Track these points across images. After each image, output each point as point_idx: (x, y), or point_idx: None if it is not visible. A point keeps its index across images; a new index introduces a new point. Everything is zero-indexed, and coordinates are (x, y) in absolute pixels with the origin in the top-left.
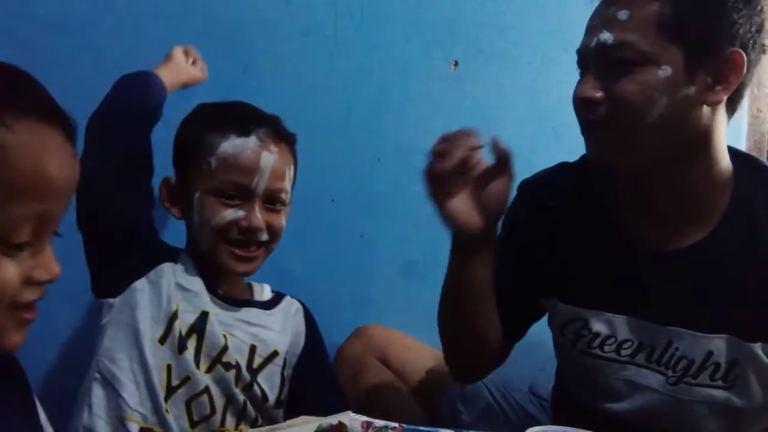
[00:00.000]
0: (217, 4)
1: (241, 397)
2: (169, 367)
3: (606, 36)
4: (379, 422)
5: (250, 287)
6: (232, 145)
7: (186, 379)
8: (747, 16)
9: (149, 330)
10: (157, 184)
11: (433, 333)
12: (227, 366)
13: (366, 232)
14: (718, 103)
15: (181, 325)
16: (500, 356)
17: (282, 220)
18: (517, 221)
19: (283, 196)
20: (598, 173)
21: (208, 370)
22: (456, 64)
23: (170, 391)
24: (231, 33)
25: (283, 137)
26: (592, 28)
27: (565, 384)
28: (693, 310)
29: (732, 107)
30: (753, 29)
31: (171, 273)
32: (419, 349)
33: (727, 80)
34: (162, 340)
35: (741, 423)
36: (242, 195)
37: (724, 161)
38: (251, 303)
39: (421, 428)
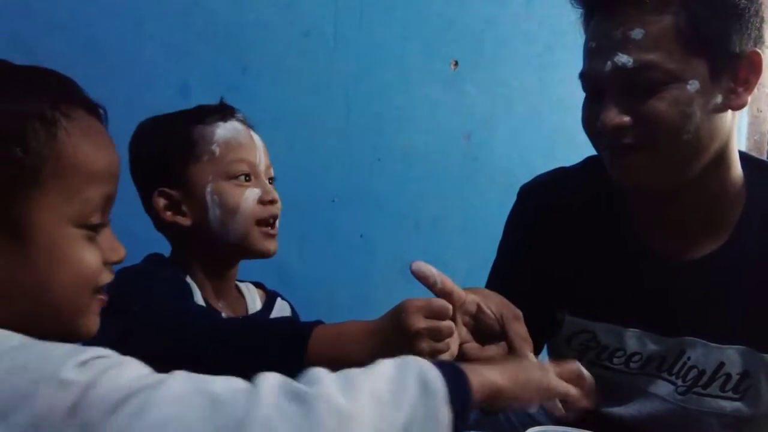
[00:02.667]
0: (217, 4)
1: None
2: None
3: (624, 59)
4: None
5: (239, 292)
6: (225, 129)
7: None
8: (755, 14)
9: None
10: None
11: None
12: None
13: (366, 232)
14: (744, 105)
15: None
16: None
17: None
18: (521, 229)
19: (272, 171)
20: (606, 181)
21: None
22: (456, 64)
23: None
24: (231, 33)
25: (249, 123)
26: (599, 51)
27: None
28: (708, 320)
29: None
30: (760, 26)
31: None
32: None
33: (748, 81)
34: None
35: (748, 430)
36: (252, 173)
37: (738, 168)
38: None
39: None
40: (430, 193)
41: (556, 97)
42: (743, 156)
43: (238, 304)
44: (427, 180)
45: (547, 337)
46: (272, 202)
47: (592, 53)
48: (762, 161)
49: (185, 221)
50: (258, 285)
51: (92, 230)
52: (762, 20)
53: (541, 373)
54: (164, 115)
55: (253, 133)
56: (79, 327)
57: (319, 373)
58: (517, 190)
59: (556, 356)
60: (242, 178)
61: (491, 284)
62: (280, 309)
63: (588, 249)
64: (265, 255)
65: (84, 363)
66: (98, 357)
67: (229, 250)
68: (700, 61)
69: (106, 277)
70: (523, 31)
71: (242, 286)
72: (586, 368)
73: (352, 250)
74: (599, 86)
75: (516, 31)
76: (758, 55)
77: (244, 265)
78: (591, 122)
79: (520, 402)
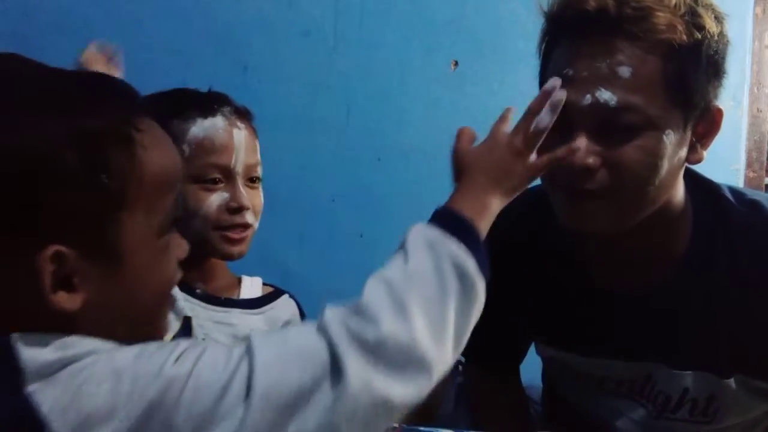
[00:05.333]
0: (217, 4)
1: None
2: None
3: (607, 96)
4: None
5: (239, 282)
6: (201, 128)
7: None
8: (725, 70)
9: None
10: None
11: None
12: None
13: (366, 232)
14: (700, 161)
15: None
16: (519, 398)
17: (261, 197)
18: (493, 273)
19: (258, 170)
20: (553, 219)
21: None
22: (456, 64)
23: None
24: (231, 33)
25: (244, 113)
26: (578, 81)
27: (553, 388)
28: (664, 348)
29: None
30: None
31: None
32: None
33: (708, 138)
34: None
35: None
36: (223, 176)
37: (682, 204)
38: (232, 302)
39: (421, 428)
40: (430, 193)
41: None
42: (693, 184)
43: (228, 291)
44: (427, 180)
45: (524, 350)
46: (239, 210)
47: (569, 81)
48: (703, 181)
49: None
50: (271, 286)
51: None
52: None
53: (521, 164)
54: (151, 100)
55: (236, 131)
56: (159, 329)
57: (372, 304)
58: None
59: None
60: (211, 181)
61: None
62: (284, 304)
63: (547, 284)
64: (227, 258)
65: (178, 357)
66: (186, 349)
67: (192, 248)
68: (677, 111)
69: (179, 275)
70: (524, 32)
71: (248, 279)
72: (565, 387)
73: (352, 250)
74: (569, 119)
75: (516, 32)
76: (721, 113)
77: (244, 265)
78: (552, 154)
79: (515, 193)
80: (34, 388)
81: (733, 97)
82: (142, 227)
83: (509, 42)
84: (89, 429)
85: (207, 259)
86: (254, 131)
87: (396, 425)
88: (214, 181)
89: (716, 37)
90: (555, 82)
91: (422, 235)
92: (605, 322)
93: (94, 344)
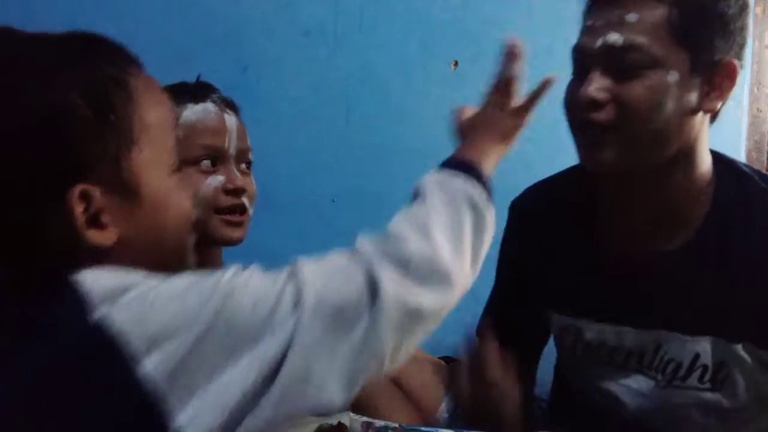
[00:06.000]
0: (217, 4)
1: None
2: None
3: (615, 37)
4: (378, 422)
5: None
6: (193, 111)
7: None
8: (739, 30)
9: None
10: None
11: (433, 332)
12: None
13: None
14: (714, 110)
15: None
16: (529, 389)
17: (254, 184)
18: (511, 242)
19: (250, 155)
20: (583, 185)
21: None
22: (456, 64)
23: None
24: (231, 33)
25: (231, 103)
26: (593, 29)
27: (566, 380)
28: (678, 313)
29: (714, 114)
30: (742, 41)
31: None
32: (414, 353)
33: (721, 88)
34: None
35: (732, 423)
36: (218, 158)
37: (705, 166)
38: None
39: (421, 428)
40: None
41: (556, 97)
42: (720, 159)
43: None
44: None
45: (543, 345)
46: (235, 191)
47: (587, 30)
48: (736, 165)
49: None
50: None
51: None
52: (745, 38)
53: (505, 112)
54: None
55: (227, 116)
56: (186, 261)
57: (399, 230)
58: (516, 190)
59: (556, 345)
60: (206, 163)
61: (492, 297)
62: None
63: (567, 250)
64: (227, 243)
65: (232, 275)
66: (236, 271)
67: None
68: (683, 54)
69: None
70: (524, 32)
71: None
72: (578, 359)
73: None
74: (586, 63)
75: (516, 32)
76: (734, 66)
77: (244, 264)
78: (570, 97)
79: (512, 138)
80: (102, 312)
81: (733, 97)
82: (152, 163)
83: None
84: (165, 339)
85: (203, 252)
86: (242, 122)
87: (396, 425)
88: (210, 164)
89: None
90: (510, 41)
91: (433, 179)
92: (622, 286)
93: (145, 274)
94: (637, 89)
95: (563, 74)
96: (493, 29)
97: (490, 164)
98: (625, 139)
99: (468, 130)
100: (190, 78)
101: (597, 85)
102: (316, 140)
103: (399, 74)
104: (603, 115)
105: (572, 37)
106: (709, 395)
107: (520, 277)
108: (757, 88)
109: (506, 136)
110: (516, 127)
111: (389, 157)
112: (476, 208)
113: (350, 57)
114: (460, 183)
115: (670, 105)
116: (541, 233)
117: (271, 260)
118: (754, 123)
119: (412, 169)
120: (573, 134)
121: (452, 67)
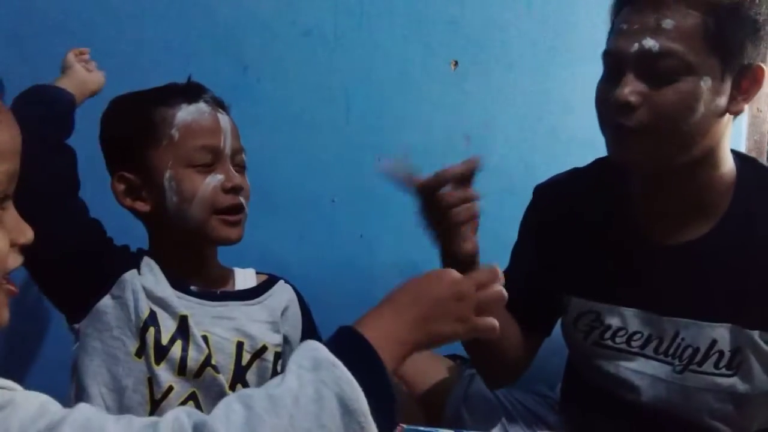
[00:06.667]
0: (217, 4)
1: None
2: (150, 380)
3: (651, 43)
4: None
5: (231, 274)
6: (188, 112)
7: (169, 390)
8: (767, 33)
9: (121, 348)
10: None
11: None
12: (217, 369)
13: (366, 232)
14: (740, 112)
15: (162, 334)
16: (528, 357)
17: (248, 183)
18: (534, 223)
19: (244, 156)
20: (610, 176)
21: (197, 375)
22: (456, 64)
23: (155, 404)
24: (231, 33)
25: (221, 103)
26: (628, 33)
27: (578, 372)
28: (697, 300)
29: (737, 113)
30: (767, 45)
31: (136, 282)
32: (419, 352)
33: (748, 92)
34: (139, 354)
35: (747, 408)
36: (214, 158)
37: (729, 163)
38: (229, 295)
39: (421, 428)
40: None
41: (556, 97)
42: (741, 156)
43: (221, 284)
44: None
45: (556, 317)
46: (234, 189)
47: (621, 33)
48: (753, 159)
49: (144, 207)
50: (265, 274)
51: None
52: None
53: (460, 310)
54: (133, 94)
55: (221, 116)
56: None
57: (221, 418)
58: (516, 190)
59: (566, 336)
60: (203, 164)
61: (511, 269)
62: (281, 291)
63: (592, 237)
64: (225, 243)
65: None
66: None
67: (188, 237)
68: (715, 61)
69: (14, 261)
70: (524, 32)
71: (240, 270)
72: (591, 349)
73: (352, 250)
74: (620, 65)
75: (517, 32)
76: (762, 71)
77: (244, 265)
78: (603, 98)
79: (441, 344)
80: None
81: None
82: None
83: (510, 42)
84: None
85: (199, 252)
86: (233, 121)
87: (396, 425)
88: (205, 165)
89: (757, 1)
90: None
91: (311, 354)
92: (645, 272)
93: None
94: (671, 95)
95: (563, 74)
96: (493, 29)
97: (397, 358)
98: (656, 141)
99: (403, 293)
100: (192, 77)
101: (631, 88)
102: (316, 140)
103: (399, 74)
104: (635, 119)
105: (573, 37)
106: (724, 380)
107: (539, 260)
108: None
109: (439, 338)
110: (455, 337)
111: (389, 157)
112: (351, 418)
113: (350, 57)
114: (342, 374)
115: (701, 110)
116: (566, 218)
117: (272, 260)
118: (754, 123)
119: (412, 169)
120: (604, 133)
121: (452, 67)
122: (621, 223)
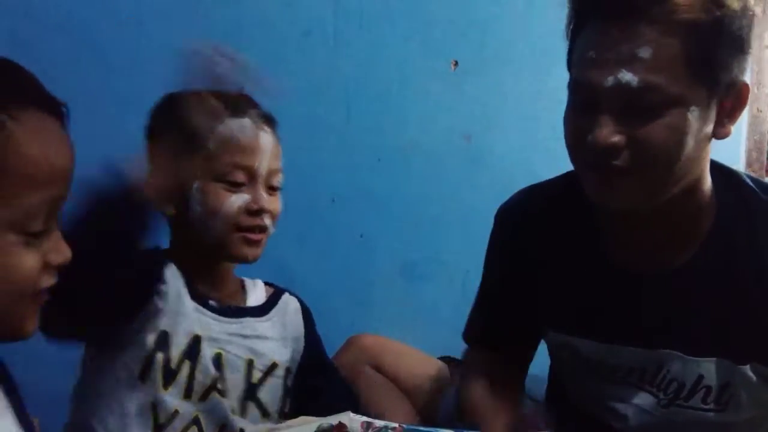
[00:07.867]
0: (217, 4)
1: (237, 424)
2: (154, 405)
3: (628, 77)
4: (379, 422)
5: (242, 286)
6: (228, 126)
7: (174, 414)
8: (749, 47)
9: (124, 372)
10: None
11: (434, 333)
12: (223, 393)
13: (366, 232)
14: (727, 135)
15: (172, 353)
16: (521, 381)
17: (279, 203)
18: (499, 251)
19: (280, 176)
20: (579, 197)
21: (202, 398)
22: (456, 64)
23: (158, 429)
24: (231, 33)
25: (270, 118)
26: (600, 63)
27: (562, 385)
28: (681, 333)
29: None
30: (749, 58)
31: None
32: (413, 355)
33: (734, 113)
34: (143, 378)
35: None
36: (246, 178)
37: (708, 183)
38: (244, 311)
39: (421, 428)
40: (430, 193)
41: (556, 97)
42: (717, 168)
43: (235, 298)
44: (427, 180)
45: (534, 349)
46: (258, 212)
47: (591, 64)
48: (727, 169)
49: (170, 209)
50: (270, 285)
51: (33, 237)
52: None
53: None
54: (185, 95)
55: (263, 134)
56: (15, 331)
57: None
58: (516, 190)
59: (549, 353)
60: (233, 182)
61: (478, 303)
62: (285, 303)
63: (563, 265)
64: (242, 261)
65: None
66: None
67: (206, 249)
68: (701, 88)
69: (47, 280)
70: (524, 32)
71: (249, 281)
72: (573, 378)
73: (352, 250)
74: (594, 99)
75: (516, 32)
76: (748, 89)
77: (243, 264)
78: (577, 136)
79: None
80: None
81: None
82: None
83: (509, 42)
84: None
85: (218, 265)
86: (278, 138)
87: (396, 425)
88: (236, 183)
89: (738, 13)
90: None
91: None
92: (623, 305)
93: None
94: (657, 131)
95: (564, 74)
96: (493, 29)
97: None
98: (645, 181)
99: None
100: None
101: (611, 128)
102: (316, 140)
103: (399, 74)
104: (621, 161)
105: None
106: (711, 415)
107: (508, 290)
108: (757, 88)
109: None
110: None
111: (389, 157)
112: None
113: (350, 57)
114: None
115: (691, 143)
116: (533, 245)
117: (272, 260)
118: (754, 123)
119: (412, 169)
120: (581, 173)
121: (452, 67)
122: (593, 252)
